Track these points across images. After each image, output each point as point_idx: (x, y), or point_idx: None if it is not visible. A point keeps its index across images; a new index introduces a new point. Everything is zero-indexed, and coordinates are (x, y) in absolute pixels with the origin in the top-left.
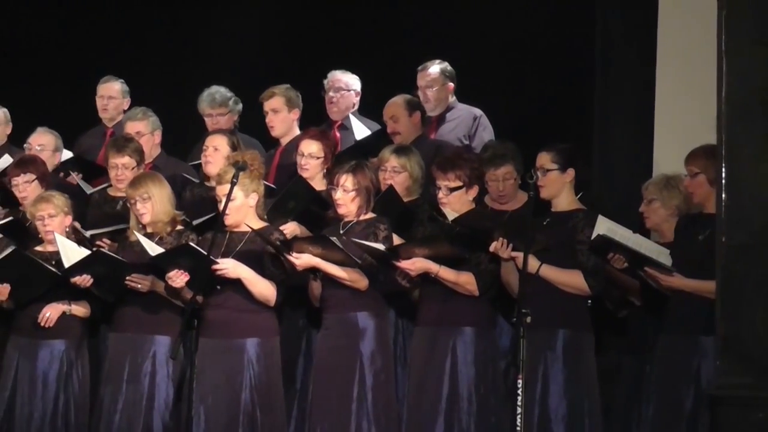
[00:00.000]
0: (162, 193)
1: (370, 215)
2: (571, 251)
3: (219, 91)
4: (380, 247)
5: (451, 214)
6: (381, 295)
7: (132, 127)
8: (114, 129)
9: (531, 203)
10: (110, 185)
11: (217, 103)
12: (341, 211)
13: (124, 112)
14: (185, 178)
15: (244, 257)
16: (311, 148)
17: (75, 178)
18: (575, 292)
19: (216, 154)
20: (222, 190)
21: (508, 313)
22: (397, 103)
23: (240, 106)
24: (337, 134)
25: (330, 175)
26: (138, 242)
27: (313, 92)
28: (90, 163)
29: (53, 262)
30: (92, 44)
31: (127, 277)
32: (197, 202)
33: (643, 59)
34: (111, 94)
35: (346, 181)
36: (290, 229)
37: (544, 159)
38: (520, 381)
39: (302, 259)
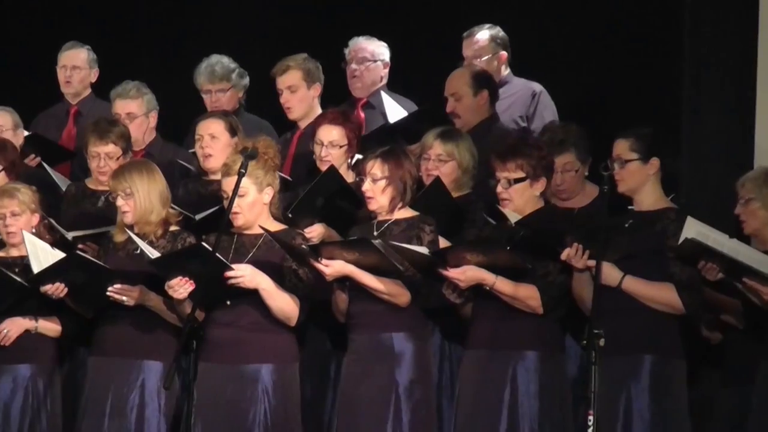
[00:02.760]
0: (150, 187)
1: (411, 213)
2: (661, 260)
3: (220, 62)
4: (424, 251)
5: (512, 216)
6: (422, 313)
7: (123, 107)
8: (79, 106)
9: (604, 200)
10: (89, 176)
11: (217, 77)
12: (371, 206)
13: (91, 85)
14: (185, 169)
15: (257, 266)
16: (332, 134)
17: (35, 161)
18: (665, 310)
19: (215, 143)
20: (228, 184)
21: (579, 334)
22: (460, 77)
23: (246, 81)
24: (362, 114)
25: (358, 165)
26: (124, 245)
27: (333, 64)
28: (51, 144)
29: (17, 270)
30: (60, 5)
31: (110, 288)
32: (193, 201)
33: (742, 22)
34: (75, 63)
35: (374, 167)
36: (317, 231)
37: (622, 147)
38: (591, 417)
39: (334, 267)
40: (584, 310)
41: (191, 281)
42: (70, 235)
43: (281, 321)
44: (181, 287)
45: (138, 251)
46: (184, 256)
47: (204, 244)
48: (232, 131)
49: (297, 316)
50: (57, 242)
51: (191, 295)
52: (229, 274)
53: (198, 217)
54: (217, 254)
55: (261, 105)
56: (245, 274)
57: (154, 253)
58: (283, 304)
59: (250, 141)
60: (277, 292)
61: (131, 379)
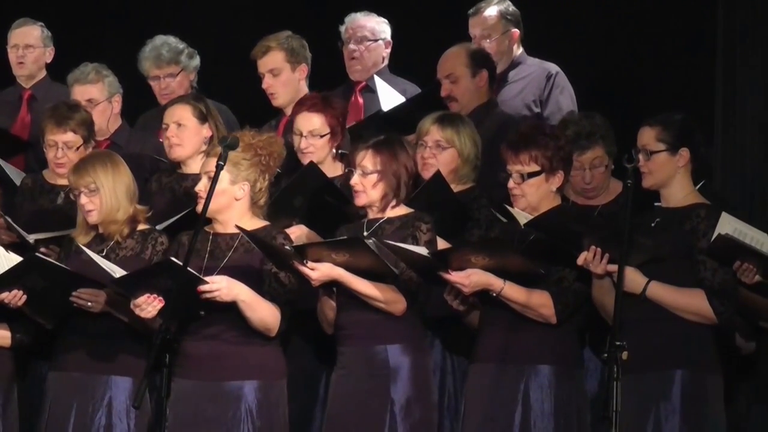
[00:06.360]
0: (116, 181)
1: (405, 210)
2: (691, 263)
3: (166, 43)
4: (423, 251)
5: (521, 215)
6: (420, 322)
7: (82, 93)
8: (33, 90)
9: (628, 195)
10: (46, 168)
11: (164, 60)
12: (360, 201)
13: (47, 66)
14: (156, 161)
15: (235, 271)
16: (312, 123)
17: None
18: (695, 319)
19: (182, 131)
20: (206, 165)
21: (600, 347)
22: (456, 57)
23: (196, 62)
24: (360, 99)
25: (347, 156)
26: (87, 247)
27: (328, 44)
28: (1, 134)
29: None
30: None
31: (74, 293)
32: (167, 197)
33: None
34: (28, 41)
35: (365, 159)
36: (296, 234)
37: (648, 136)
38: None
39: (321, 271)
40: (608, 321)
41: (160, 298)
42: (31, 238)
43: (261, 332)
44: (149, 305)
45: (104, 252)
46: (152, 272)
47: (173, 258)
48: (202, 117)
49: (278, 326)
50: (15, 244)
51: (161, 312)
52: (203, 288)
53: (160, 226)
54: (189, 269)
55: (246, 91)
56: (221, 287)
57: (117, 272)
58: (265, 314)
59: (263, 135)
60: (257, 302)
61: (96, 397)
